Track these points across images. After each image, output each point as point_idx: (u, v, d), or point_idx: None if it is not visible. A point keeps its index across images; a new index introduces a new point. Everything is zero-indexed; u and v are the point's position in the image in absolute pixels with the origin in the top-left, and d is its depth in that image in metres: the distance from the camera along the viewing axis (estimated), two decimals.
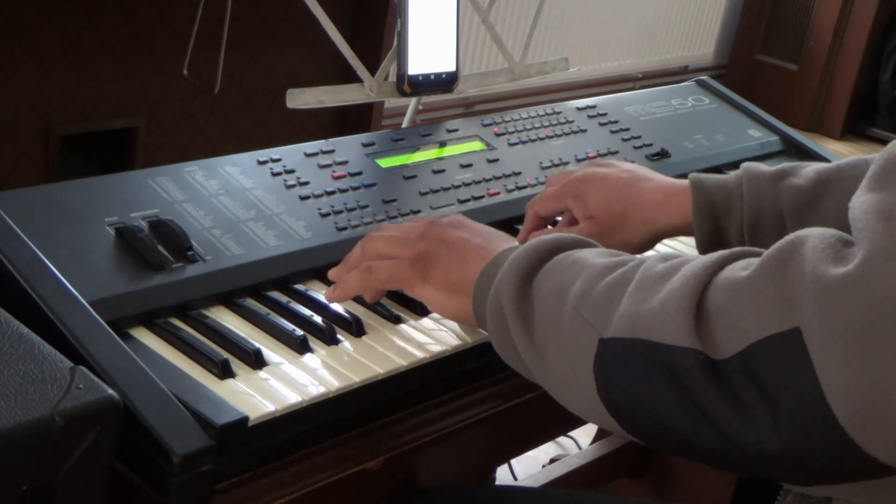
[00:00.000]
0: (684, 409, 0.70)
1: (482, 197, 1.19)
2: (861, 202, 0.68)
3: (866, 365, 0.62)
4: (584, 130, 1.39)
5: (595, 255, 0.82)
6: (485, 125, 1.32)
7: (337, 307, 0.96)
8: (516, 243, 0.91)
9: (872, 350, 0.62)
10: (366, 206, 1.09)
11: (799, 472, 0.69)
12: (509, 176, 1.24)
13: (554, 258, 0.84)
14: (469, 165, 1.23)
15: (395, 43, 1.25)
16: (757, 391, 0.67)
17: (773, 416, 0.66)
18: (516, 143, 1.30)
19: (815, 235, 0.68)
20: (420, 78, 1.27)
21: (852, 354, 0.63)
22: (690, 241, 1.12)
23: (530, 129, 1.34)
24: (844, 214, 0.70)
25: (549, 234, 0.87)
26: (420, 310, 0.98)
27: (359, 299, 0.98)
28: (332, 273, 0.98)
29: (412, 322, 0.96)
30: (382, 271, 0.92)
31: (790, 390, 0.65)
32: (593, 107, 1.45)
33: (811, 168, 1.09)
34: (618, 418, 0.76)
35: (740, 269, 0.71)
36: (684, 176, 1.39)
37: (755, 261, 0.70)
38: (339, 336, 0.92)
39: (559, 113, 1.40)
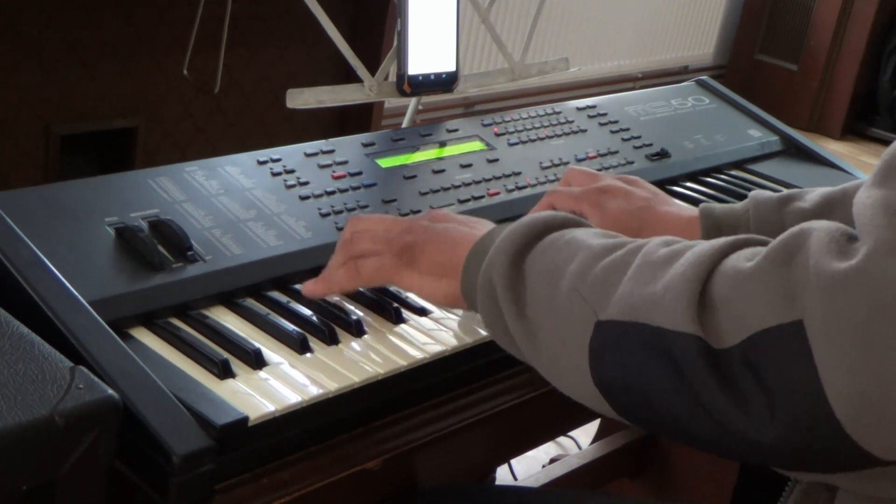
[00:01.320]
0: (680, 394, 0.70)
1: (482, 197, 1.19)
2: (866, 197, 0.68)
3: (865, 360, 0.63)
4: (584, 130, 1.39)
5: (591, 236, 0.81)
6: (485, 125, 1.32)
7: (338, 306, 0.96)
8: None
9: (872, 345, 0.62)
10: (366, 206, 1.09)
11: (792, 461, 0.69)
12: (509, 176, 1.24)
13: (548, 236, 0.83)
14: (469, 165, 1.23)
15: (395, 43, 1.25)
16: (755, 382, 0.67)
17: (769, 407, 0.66)
18: (516, 143, 1.30)
19: (820, 228, 0.69)
20: (420, 78, 1.27)
21: (852, 349, 0.63)
22: None
23: (530, 129, 1.34)
24: None
25: (542, 212, 0.86)
26: (420, 310, 0.98)
27: (358, 298, 0.98)
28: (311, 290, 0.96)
29: (412, 322, 0.96)
30: (368, 267, 0.92)
31: (789, 382, 0.65)
32: (593, 107, 1.45)
33: (817, 192, 1.10)
34: (610, 400, 0.75)
35: (745, 258, 0.71)
36: (685, 176, 1.40)
37: (760, 250, 0.70)
38: (338, 336, 0.92)
39: (559, 113, 1.40)
